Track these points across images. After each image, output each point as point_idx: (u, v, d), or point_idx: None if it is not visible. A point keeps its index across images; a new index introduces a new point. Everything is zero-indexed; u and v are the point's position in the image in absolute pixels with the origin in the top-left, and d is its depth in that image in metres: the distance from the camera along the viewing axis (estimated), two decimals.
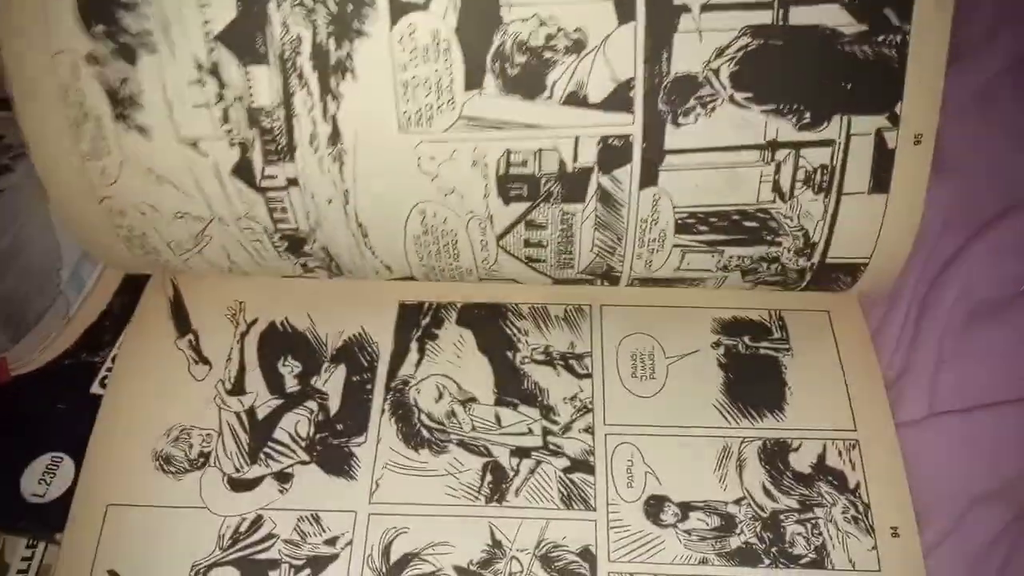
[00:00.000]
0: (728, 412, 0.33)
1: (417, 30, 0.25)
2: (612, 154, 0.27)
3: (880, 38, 0.25)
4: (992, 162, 0.37)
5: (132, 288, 0.38)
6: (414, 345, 0.35)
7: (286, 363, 0.35)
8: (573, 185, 0.28)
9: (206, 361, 0.35)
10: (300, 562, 0.30)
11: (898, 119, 0.26)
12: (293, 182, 0.28)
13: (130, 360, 0.35)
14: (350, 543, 0.30)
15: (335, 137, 0.27)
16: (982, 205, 0.37)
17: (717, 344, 0.34)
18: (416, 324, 0.36)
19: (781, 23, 0.25)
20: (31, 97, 0.28)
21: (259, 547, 0.31)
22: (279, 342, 0.35)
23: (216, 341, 0.35)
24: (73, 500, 0.32)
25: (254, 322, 0.36)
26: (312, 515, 0.31)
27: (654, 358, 0.34)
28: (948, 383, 0.33)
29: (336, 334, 0.35)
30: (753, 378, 0.33)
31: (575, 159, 0.28)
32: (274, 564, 0.30)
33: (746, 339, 0.35)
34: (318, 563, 0.30)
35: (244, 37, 0.26)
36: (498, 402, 0.33)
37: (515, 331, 0.35)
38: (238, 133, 0.27)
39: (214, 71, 0.26)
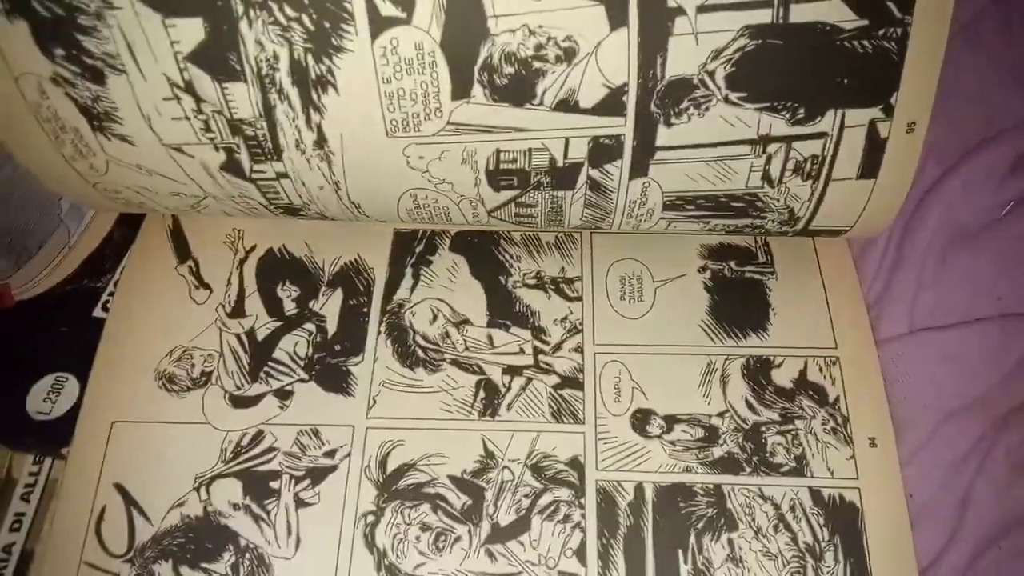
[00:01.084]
0: (713, 332, 0.34)
1: (400, 44, 0.25)
2: (602, 151, 0.27)
3: (880, 31, 0.24)
4: (975, 93, 0.38)
5: (132, 218, 0.38)
6: (409, 271, 0.36)
7: (284, 287, 0.35)
8: (563, 176, 0.28)
9: (206, 286, 0.36)
10: (300, 473, 0.31)
11: (892, 109, 0.26)
12: (283, 175, 0.28)
13: (132, 285, 0.36)
14: (348, 455, 0.32)
15: (321, 142, 0.27)
16: (964, 135, 0.37)
17: (704, 268, 0.35)
18: (411, 251, 0.36)
19: (781, 21, 0.24)
20: (4, 114, 0.27)
21: (260, 459, 0.32)
22: (277, 268, 0.36)
23: (215, 267, 0.36)
24: (79, 417, 0.33)
25: (252, 249, 0.37)
26: (312, 429, 0.32)
27: (642, 281, 0.35)
28: (928, 303, 0.34)
29: (333, 261, 0.36)
30: (738, 300, 0.35)
31: (565, 156, 0.27)
32: (275, 475, 0.31)
33: (732, 263, 0.35)
34: (317, 474, 0.31)
35: (217, 56, 0.25)
36: (490, 323, 0.34)
37: (507, 257, 0.36)
38: (222, 140, 0.27)
39: (188, 89, 0.26)
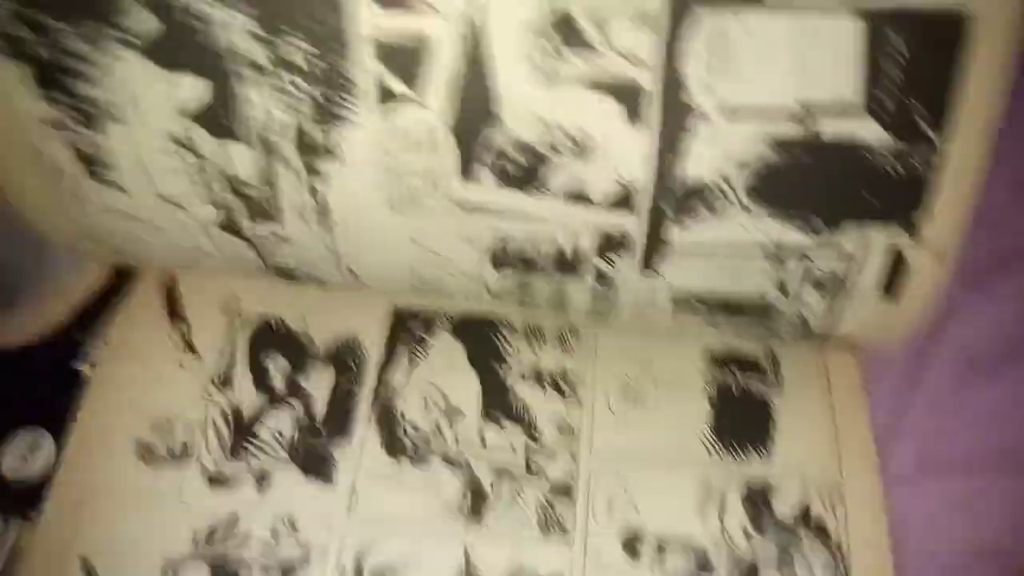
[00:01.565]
0: (714, 447, 0.33)
1: (408, 122, 0.24)
2: (611, 244, 0.26)
3: (910, 150, 0.23)
4: (991, 213, 0.37)
5: (126, 270, 0.37)
6: (404, 352, 0.35)
7: (276, 362, 0.34)
8: (569, 266, 0.27)
9: (196, 352, 0.35)
10: (272, 564, 0.30)
11: (919, 231, 0.25)
12: (281, 238, 0.28)
13: (119, 344, 0.35)
14: (324, 552, 0.30)
15: (324, 211, 0.26)
16: (981, 256, 0.36)
17: (708, 377, 0.34)
18: (408, 331, 0.35)
19: (807, 136, 0.23)
20: (2, 154, 0.27)
21: (232, 546, 0.31)
22: (270, 340, 0.35)
23: (207, 333, 0.35)
24: (52, 482, 0.32)
25: (247, 317, 0.36)
26: (289, 519, 0.31)
27: (644, 387, 0.34)
28: (939, 439, 0.33)
29: (328, 335, 0.35)
30: (741, 415, 0.33)
31: (573, 246, 0.27)
32: (246, 565, 0.30)
33: (737, 374, 0.34)
34: (289, 567, 0.30)
35: (222, 119, 0.25)
36: (484, 416, 0.33)
37: (507, 347, 0.35)
38: (220, 198, 0.27)
39: (189, 145, 0.25)
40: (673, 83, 0.23)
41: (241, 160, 0.26)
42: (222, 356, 0.35)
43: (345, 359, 0.35)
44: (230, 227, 0.28)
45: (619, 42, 0.23)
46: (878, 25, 0.22)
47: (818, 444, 0.32)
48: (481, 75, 0.23)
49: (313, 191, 0.26)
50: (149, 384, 0.34)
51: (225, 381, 0.34)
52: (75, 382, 0.34)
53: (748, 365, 0.34)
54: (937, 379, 0.34)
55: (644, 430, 0.33)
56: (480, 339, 0.35)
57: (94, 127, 0.25)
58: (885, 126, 0.23)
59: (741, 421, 0.33)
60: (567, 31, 0.23)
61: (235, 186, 0.26)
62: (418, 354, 0.35)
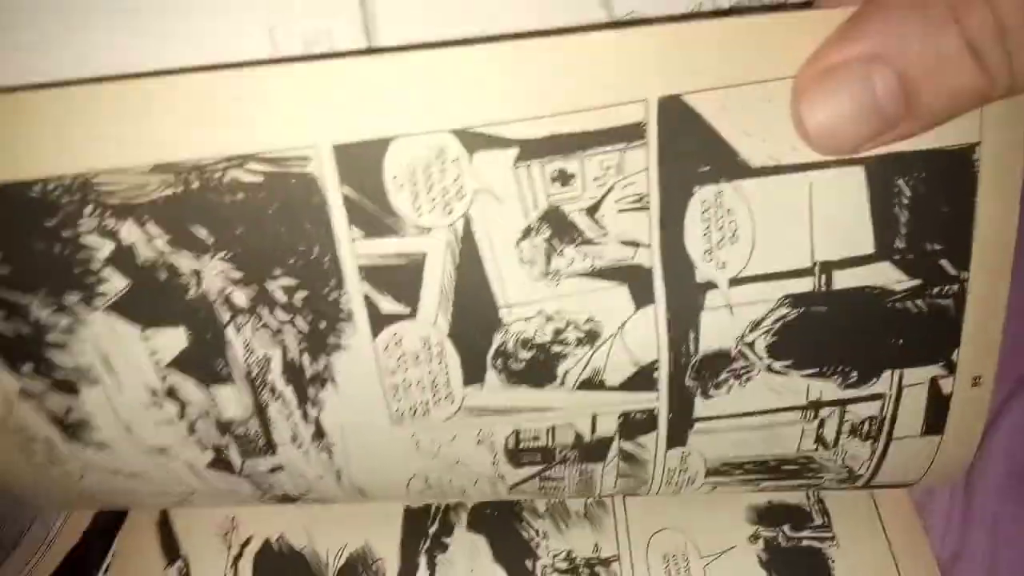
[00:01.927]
0: None
1: (404, 338, 0.23)
2: (635, 425, 0.25)
3: (935, 290, 0.23)
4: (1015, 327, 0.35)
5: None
6: (423, 559, 0.32)
7: None
8: (592, 451, 0.26)
9: None
10: None
11: (955, 366, 0.24)
12: (278, 468, 0.26)
13: None
14: None
15: (319, 435, 0.25)
16: (1022, 357, 0.34)
17: (755, 537, 0.31)
18: (424, 533, 0.33)
19: (823, 289, 0.22)
20: None
21: None
22: (276, 565, 0.32)
23: (207, 567, 0.32)
24: None
25: (248, 541, 0.33)
26: None
27: (688, 559, 0.31)
28: (1008, 564, 0.30)
29: (337, 551, 0.32)
30: (798, 574, 0.30)
31: (593, 432, 0.25)
32: None
33: (786, 529, 0.32)
34: None
35: (201, 362, 0.23)
36: None
37: (532, 534, 0.32)
38: (209, 441, 0.25)
39: (171, 394, 0.24)
40: (675, 259, 0.22)
41: (227, 401, 0.24)
42: None
43: None
44: (223, 467, 0.26)
45: (615, 228, 0.22)
46: (878, 173, 0.21)
47: None
48: (476, 282, 0.22)
49: (306, 416, 0.24)
50: None
51: None
52: None
53: (796, 517, 0.32)
54: (992, 498, 0.32)
55: None
56: (502, 529, 0.32)
57: (67, 391, 0.24)
58: (903, 268, 0.22)
59: None
60: (559, 226, 0.21)
61: (224, 427, 0.25)
62: (438, 558, 0.32)
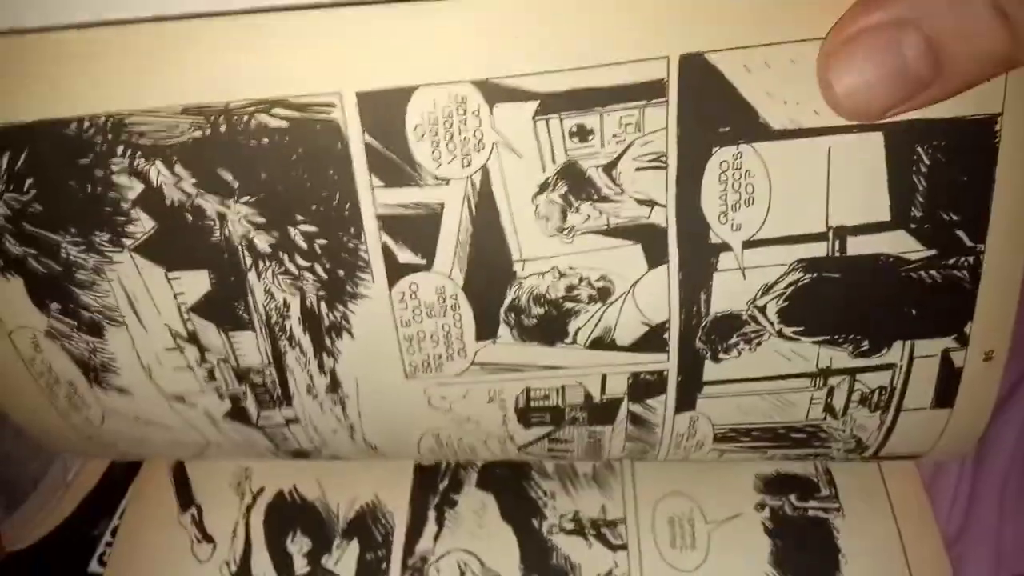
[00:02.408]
0: None
1: (420, 289, 0.23)
2: (644, 387, 0.25)
3: (950, 261, 0.22)
4: None
5: None
6: (432, 514, 0.32)
7: (295, 540, 0.32)
8: (601, 412, 0.26)
9: (210, 539, 0.32)
10: None
11: (967, 339, 0.24)
12: (293, 420, 0.27)
13: (130, 538, 0.33)
14: None
15: (335, 386, 0.25)
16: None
17: (762, 505, 0.32)
18: (434, 489, 0.33)
19: (837, 254, 0.22)
20: None
21: None
22: (287, 515, 0.33)
23: (220, 515, 0.33)
24: None
25: (260, 492, 0.33)
26: None
27: (694, 524, 0.31)
28: (1014, 540, 0.30)
29: (348, 503, 0.33)
30: (803, 545, 0.31)
31: (603, 392, 0.25)
32: None
33: (792, 498, 0.32)
34: None
35: (223, 307, 0.24)
36: None
37: (541, 493, 0.33)
38: (227, 389, 0.26)
39: (192, 339, 0.24)
40: (691, 220, 0.22)
41: (247, 347, 0.25)
42: (238, 539, 0.32)
43: (369, 529, 0.32)
44: (240, 417, 0.26)
45: (631, 186, 0.22)
46: (898, 140, 0.21)
47: (887, 565, 0.30)
48: (492, 235, 0.22)
49: (322, 366, 0.25)
50: None
51: (243, 568, 0.31)
52: None
53: (803, 487, 0.32)
54: (1001, 473, 0.32)
55: (700, 575, 0.30)
56: (511, 488, 0.33)
57: (93, 332, 0.24)
58: (919, 237, 0.22)
59: (804, 552, 0.30)
60: (576, 182, 0.22)
61: (242, 374, 0.25)
62: (446, 513, 0.32)
